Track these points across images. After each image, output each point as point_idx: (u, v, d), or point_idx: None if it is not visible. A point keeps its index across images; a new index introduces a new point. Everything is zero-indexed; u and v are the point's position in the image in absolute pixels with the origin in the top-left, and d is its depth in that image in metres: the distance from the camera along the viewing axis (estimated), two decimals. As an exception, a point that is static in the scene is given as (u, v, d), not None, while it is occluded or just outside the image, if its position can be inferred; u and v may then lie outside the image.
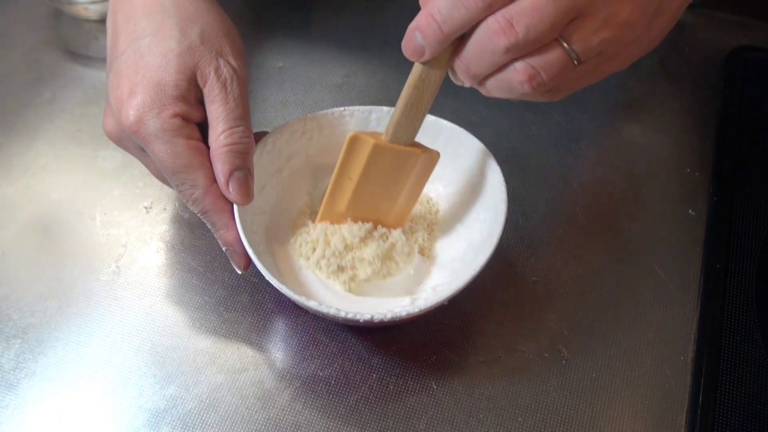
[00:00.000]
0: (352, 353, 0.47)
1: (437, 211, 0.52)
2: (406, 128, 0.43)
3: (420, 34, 0.36)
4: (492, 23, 0.34)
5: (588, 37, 0.34)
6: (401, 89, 0.41)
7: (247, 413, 0.45)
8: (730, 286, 0.50)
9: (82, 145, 0.58)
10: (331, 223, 0.49)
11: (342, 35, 0.66)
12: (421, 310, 0.42)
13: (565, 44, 0.34)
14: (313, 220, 0.50)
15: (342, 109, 0.51)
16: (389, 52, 0.63)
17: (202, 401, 0.45)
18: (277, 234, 0.50)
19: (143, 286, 0.50)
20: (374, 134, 0.44)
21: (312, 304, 0.41)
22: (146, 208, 0.54)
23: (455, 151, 0.50)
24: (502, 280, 0.51)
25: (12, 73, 0.63)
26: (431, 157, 0.46)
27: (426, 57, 0.37)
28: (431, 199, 0.53)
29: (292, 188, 0.51)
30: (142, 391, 0.46)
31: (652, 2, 0.35)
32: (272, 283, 0.42)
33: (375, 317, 0.41)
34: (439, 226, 0.52)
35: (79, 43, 0.66)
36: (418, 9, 0.36)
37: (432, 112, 0.46)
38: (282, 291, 0.42)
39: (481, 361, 0.47)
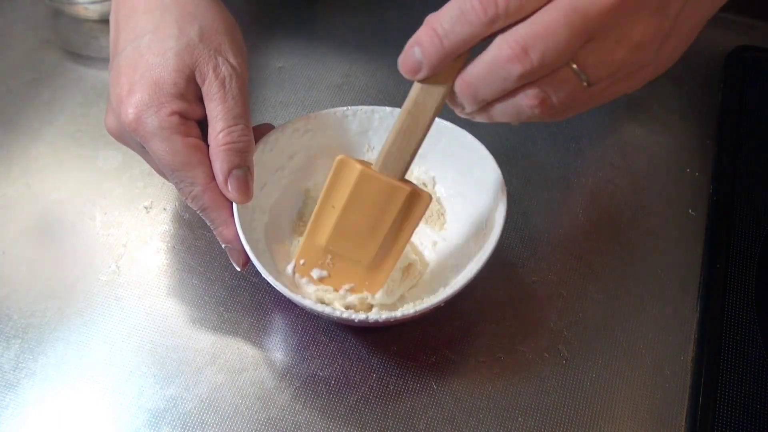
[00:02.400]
0: (352, 353, 0.47)
1: (443, 213, 0.52)
2: (397, 158, 0.40)
3: (419, 49, 0.34)
4: (504, 49, 0.32)
5: (600, 60, 0.33)
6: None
7: (247, 413, 0.45)
8: (730, 286, 0.50)
9: (82, 145, 0.58)
10: (309, 260, 0.46)
11: (342, 35, 0.66)
12: (416, 312, 0.41)
13: (575, 66, 0.33)
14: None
15: (345, 108, 0.51)
16: (389, 52, 0.62)
17: (202, 401, 0.45)
18: (277, 232, 0.50)
19: (143, 286, 0.50)
20: (364, 162, 0.42)
21: (307, 303, 0.41)
22: (146, 208, 0.54)
23: (456, 153, 0.50)
24: (502, 280, 0.51)
25: (12, 73, 0.63)
26: (421, 198, 0.42)
27: (423, 74, 0.35)
28: (439, 200, 0.53)
29: (292, 187, 0.51)
30: (142, 391, 0.46)
31: (664, 23, 0.34)
32: (268, 280, 0.42)
33: (370, 317, 0.41)
34: (442, 227, 0.52)
35: (79, 43, 0.66)
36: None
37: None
38: (278, 288, 0.42)
39: (481, 361, 0.47)
